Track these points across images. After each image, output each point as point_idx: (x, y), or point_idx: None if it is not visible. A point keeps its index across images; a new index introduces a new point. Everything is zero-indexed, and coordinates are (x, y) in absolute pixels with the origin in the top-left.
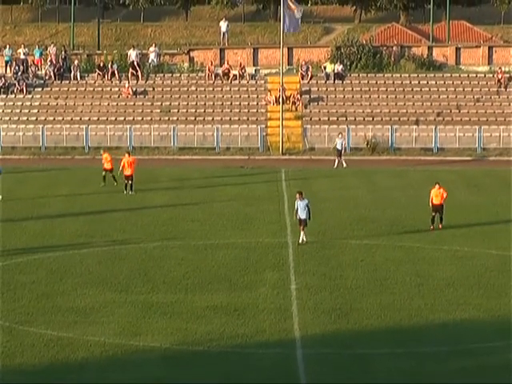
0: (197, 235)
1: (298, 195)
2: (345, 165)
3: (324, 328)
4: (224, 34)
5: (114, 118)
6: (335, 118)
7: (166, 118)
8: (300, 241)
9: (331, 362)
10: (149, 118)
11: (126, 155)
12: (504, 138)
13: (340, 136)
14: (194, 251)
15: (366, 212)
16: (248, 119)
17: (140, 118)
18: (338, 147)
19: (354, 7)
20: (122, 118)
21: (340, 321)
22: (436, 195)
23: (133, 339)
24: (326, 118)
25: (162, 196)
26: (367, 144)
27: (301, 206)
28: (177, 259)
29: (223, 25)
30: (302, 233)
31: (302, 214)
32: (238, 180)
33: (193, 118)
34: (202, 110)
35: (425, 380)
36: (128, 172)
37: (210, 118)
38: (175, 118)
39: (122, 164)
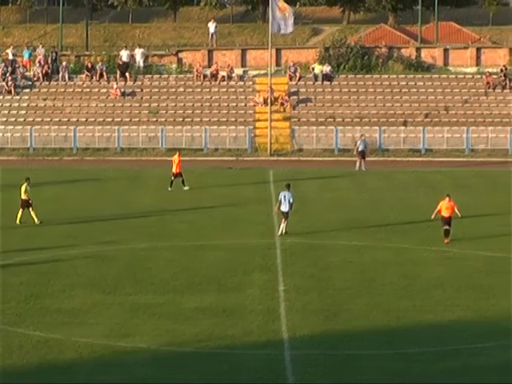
0: (185, 236)
1: (286, 187)
2: (363, 168)
3: (312, 329)
4: (212, 35)
5: (102, 119)
6: (323, 119)
7: (155, 119)
8: (279, 233)
9: (319, 363)
10: (137, 119)
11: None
12: (492, 139)
13: (362, 137)
14: (182, 252)
15: (354, 213)
16: (236, 120)
17: (128, 119)
18: (360, 148)
19: (343, 8)
20: (110, 119)
21: (328, 322)
22: (446, 208)
23: (121, 340)
24: (315, 119)
25: (150, 197)
26: (355, 145)
27: (285, 197)
28: (165, 260)
29: (211, 26)
30: (282, 225)
31: (285, 207)
32: (226, 181)
33: (181, 119)
34: (191, 111)
35: (412, 380)
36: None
37: (199, 119)
38: (163, 119)
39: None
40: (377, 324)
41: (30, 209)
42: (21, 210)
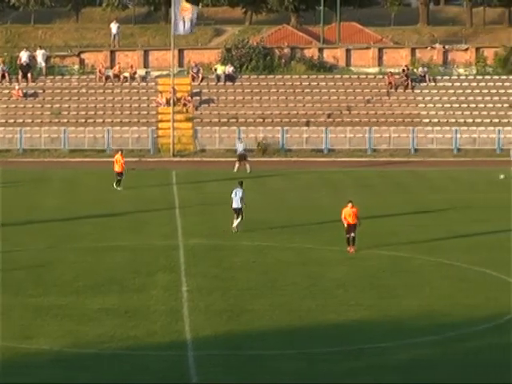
0: (89, 238)
1: (238, 184)
2: (248, 170)
3: (215, 329)
4: (115, 35)
5: (4, 121)
6: (226, 120)
7: (57, 121)
8: (233, 227)
9: (223, 363)
10: (39, 120)
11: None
12: (394, 139)
13: (240, 140)
14: (85, 254)
15: (258, 213)
16: (139, 121)
17: (30, 121)
18: (240, 151)
19: (245, 9)
20: (13, 121)
21: (231, 322)
22: (349, 214)
23: (24, 342)
24: (217, 120)
25: (53, 199)
26: (258, 145)
27: (237, 195)
28: (68, 262)
29: (114, 27)
30: (235, 221)
31: (236, 204)
32: (130, 182)
33: (83, 120)
34: (93, 112)
35: (316, 380)
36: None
37: (101, 120)
38: (66, 121)
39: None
40: (280, 324)
41: None
42: None
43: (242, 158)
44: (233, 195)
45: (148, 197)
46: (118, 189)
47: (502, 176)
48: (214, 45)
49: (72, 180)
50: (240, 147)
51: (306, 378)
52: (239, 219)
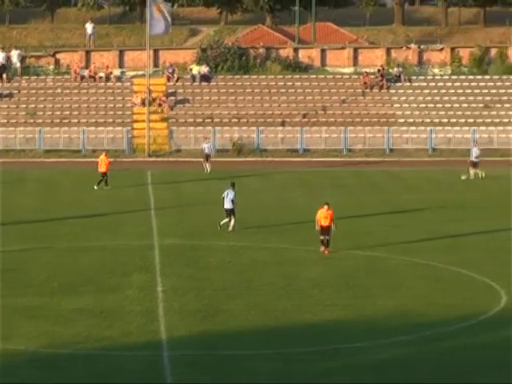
0: (64, 238)
1: (230, 185)
2: (209, 170)
3: (190, 330)
4: (90, 36)
5: None
6: (201, 120)
7: (32, 121)
8: (228, 227)
9: (198, 364)
10: (14, 121)
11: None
12: (369, 138)
13: (207, 140)
14: (61, 254)
15: None
16: (114, 121)
17: (5, 121)
18: (206, 151)
19: (220, 9)
20: None
21: (206, 322)
22: (325, 216)
23: (0, 343)
24: (192, 120)
25: (28, 199)
26: (233, 146)
27: (229, 196)
28: (43, 262)
29: (89, 27)
30: (224, 220)
31: (228, 204)
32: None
33: (59, 121)
34: (68, 112)
35: (291, 380)
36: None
37: (76, 121)
38: (41, 121)
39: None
40: (255, 324)
41: None
42: None
43: (207, 157)
44: (224, 195)
45: (123, 197)
46: (106, 188)
47: (463, 177)
48: (190, 45)
49: (47, 180)
50: (206, 147)
51: (282, 377)
52: (232, 220)
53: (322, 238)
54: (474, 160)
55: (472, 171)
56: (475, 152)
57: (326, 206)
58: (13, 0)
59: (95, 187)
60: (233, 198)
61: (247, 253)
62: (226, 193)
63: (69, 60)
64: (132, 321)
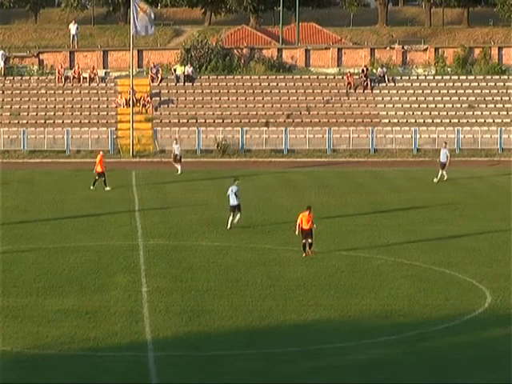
0: (48, 238)
1: (233, 181)
2: (179, 171)
3: (175, 330)
4: (74, 36)
5: None
6: (185, 121)
7: (16, 121)
8: (228, 226)
9: (183, 364)
10: None
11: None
12: (353, 139)
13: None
14: (44, 255)
15: (217, 214)
16: (98, 122)
17: None
18: (176, 152)
19: (204, 10)
20: None
21: (191, 323)
22: (307, 220)
23: None
24: (177, 121)
25: (12, 199)
26: (217, 146)
27: (233, 191)
28: (27, 263)
29: (73, 27)
30: (230, 218)
31: (233, 201)
32: (89, 183)
33: (43, 121)
34: (52, 113)
35: (276, 380)
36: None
37: (60, 121)
38: (25, 121)
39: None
40: (240, 324)
41: None
42: None
43: (177, 158)
44: (229, 192)
45: (107, 197)
46: (106, 189)
47: (435, 179)
48: (173, 45)
49: (31, 181)
50: (176, 148)
51: (267, 377)
52: (238, 215)
53: (304, 241)
54: (442, 161)
55: (440, 172)
56: (444, 153)
57: (307, 211)
58: None
59: (105, 188)
60: (236, 192)
61: (231, 253)
62: (230, 189)
63: (53, 60)
64: (117, 321)
